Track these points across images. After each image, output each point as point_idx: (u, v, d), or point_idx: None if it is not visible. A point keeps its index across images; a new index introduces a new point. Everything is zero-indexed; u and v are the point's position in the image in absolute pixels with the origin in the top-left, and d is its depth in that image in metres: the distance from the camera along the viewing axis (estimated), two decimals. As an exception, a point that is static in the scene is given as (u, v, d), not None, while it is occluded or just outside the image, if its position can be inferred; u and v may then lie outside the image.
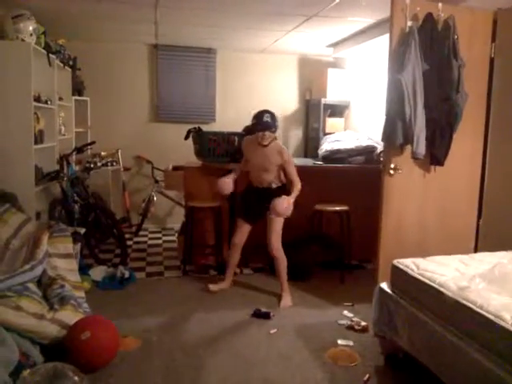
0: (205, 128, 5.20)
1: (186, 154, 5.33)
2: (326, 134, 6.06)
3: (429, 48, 3.45)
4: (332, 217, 4.53)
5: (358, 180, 4.75)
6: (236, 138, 4.70)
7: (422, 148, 3.47)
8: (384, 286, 2.99)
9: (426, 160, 3.63)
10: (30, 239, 3.45)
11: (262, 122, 3.80)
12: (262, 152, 3.90)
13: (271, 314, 3.67)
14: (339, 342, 3.26)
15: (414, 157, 3.51)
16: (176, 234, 5.97)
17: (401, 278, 2.83)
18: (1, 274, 3.01)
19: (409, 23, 3.43)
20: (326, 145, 5.44)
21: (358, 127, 6.09)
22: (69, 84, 5.59)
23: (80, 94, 5.96)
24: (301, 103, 6.96)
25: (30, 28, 4.20)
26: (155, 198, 6.31)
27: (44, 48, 4.56)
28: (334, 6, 4.08)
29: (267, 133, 3.82)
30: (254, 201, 4.04)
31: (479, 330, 2.18)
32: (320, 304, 3.97)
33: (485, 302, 2.23)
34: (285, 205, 3.69)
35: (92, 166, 5.56)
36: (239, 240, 4.09)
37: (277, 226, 3.90)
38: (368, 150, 5.04)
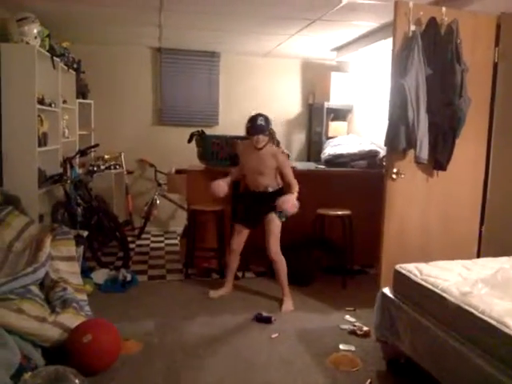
0: (208, 131, 5.22)
1: (188, 157, 5.33)
2: (328, 138, 6.06)
3: (432, 52, 3.45)
4: (334, 221, 4.52)
5: (360, 184, 4.74)
6: (239, 142, 4.70)
7: (425, 152, 3.47)
8: (386, 290, 2.98)
9: (429, 165, 3.62)
10: (33, 242, 3.45)
11: (256, 126, 3.81)
12: (256, 155, 3.91)
13: (273, 319, 3.66)
14: (341, 346, 3.25)
15: (417, 161, 3.50)
16: (178, 238, 5.97)
17: (403, 283, 2.82)
18: (3, 276, 3.01)
19: (412, 27, 3.43)
20: (329, 149, 5.44)
21: (361, 131, 6.09)
22: (73, 87, 5.62)
23: (84, 97, 5.99)
24: (304, 107, 6.96)
25: (35, 31, 4.22)
26: (158, 202, 6.31)
27: (48, 51, 4.59)
28: (338, 9, 4.09)
29: (261, 136, 3.82)
30: (251, 205, 4.05)
31: (481, 336, 2.17)
32: (322, 309, 3.96)
33: (487, 308, 2.22)
34: (291, 202, 3.72)
35: (95, 168, 5.57)
36: (237, 245, 4.09)
37: (275, 230, 3.90)
38: (371, 155, 5.04)
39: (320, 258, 4.65)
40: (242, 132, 4.94)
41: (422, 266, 2.86)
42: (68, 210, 4.72)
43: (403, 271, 2.85)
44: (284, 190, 3.94)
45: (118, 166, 6.21)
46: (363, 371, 2.93)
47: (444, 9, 3.48)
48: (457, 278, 2.67)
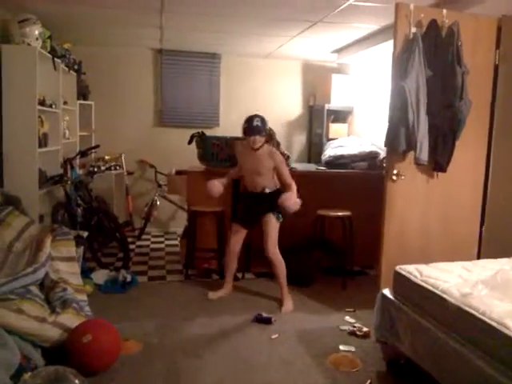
0: (208, 133, 5.22)
1: (189, 158, 5.33)
2: (329, 140, 6.06)
3: (433, 54, 3.46)
4: (335, 222, 4.52)
5: (360, 186, 4.75)
6: (237, 142, 4.71)
7: (424, 154, 3.47)
8: (386, 292, 2.98)
9: (429, 166, 3.62)
10: (33, 242, 3.45)
11: (253, 127, 3.82)
12: (254, 156, 3.92)
13: (273, 319, 3.66)
14: (341, 347, 3.25)
15: (417, 163, 3.51)
16: (178, 238, 5.97)
17: (403, 284, 2.83)
18: (4, 276, 3.02)
19: (413, 30, 3.44)
20: (330, 150, 5.45)
21: (362, 133, 6.09)
22: (74, 88, 5.62)
23: (85, 98, 6.00)
24: (304, 109, 6.96)
25: (36, 32, 4.23)
26: (158, 202, 6.31)
27: (49, 52, 4.60)
28: (339, 12, 4.10)
29: (258, 137, 3.83)
30: (249, 206, 4.06)
31: (482, 337, 2.18)
32: (322, 309, 3.96)
33: (487, 309, 2.22)
34: (293, 199, 3.73)
35: (96, 169, 5.58)
36: (235, 245, 4.09)
37: (272, 230, 3.91)
38: (371, 156, 5.04)
39: (320, 258, 4.65)
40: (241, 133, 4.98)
41: (422, 267, 2.87)
42: (68, 210, 4.72)
43: (403, 272, 2.85)
44: (282, 190, 3.94)
45: (118, 167, 6.22)
46: (363, 372, 2.93)
47: (445, 11, 3.49)
48: (457, 279, 2.68)
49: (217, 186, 4.03)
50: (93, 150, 5.42)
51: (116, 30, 5.30)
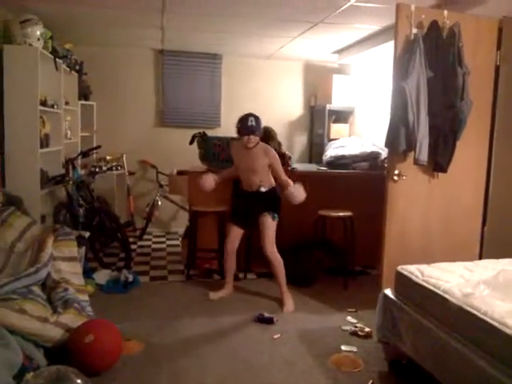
0: (210, 133, 5.23)
1: (190, 158, 5.34)
2: (330, 140, 6.07)
3: (434, 55, 3.46)
4: (336, 222, 4.53)
5: (362, 186, 4.75)
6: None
7: (424, 155, 3.48)
8: (388, 292, 2.98)
9: (430, 166, 3.63)
10: (35, 242, 3.45)
11: (247, 126, 3.83)
12: (249, 154, 3.93)
13: (275, 319, 3.66)
14: (343, 347, 3.25)
15: (417, 163, 3.51)
16: (180, 238, 5.97)
17: (405, 284, 2.83)
18: (6, 276, 3.02)
19: (414, 30, 3.44)
20: (331, 151, 5.45)
21: (363, 133, 6.10)
22: (75, 88, 5.63)
23: (86, 99, 6.00)
24: (305, 109, 6.97)
25: (38, 33, 4.24)
26: (159, 203, 6.32)
27: (51, 52, 4.60)
28: (340, 12, 4.10)
29: (252, 137, 3.84)
30: (245, 205, 4.06)
31: (483, 337, 2.18)
32: (323, 310, 3.97)
33: (489, 309, 2.22)
34: (300, 190, 3.78)
35: (97, 170, 5.59)
36: (232, 245, 4.10)
37: (269, 229, 3.92)
38: (372, 156, 5.04)
39: (321, 259, 4.66)
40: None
41: (424, 267, 2.87)
42: (70, 210, 4.73)
43: (405, 272, 2.86)
44: (277, 189, 3.97)
45: (119, 167, 6.22)
46: (365, 372, 2.93)
47: (446, 12, 3.49)
48: (458, 279, 2.68)
49: (209, 180, 4.07)
50: (94, 151, 5.43)
51: (117, 30, 5.31)
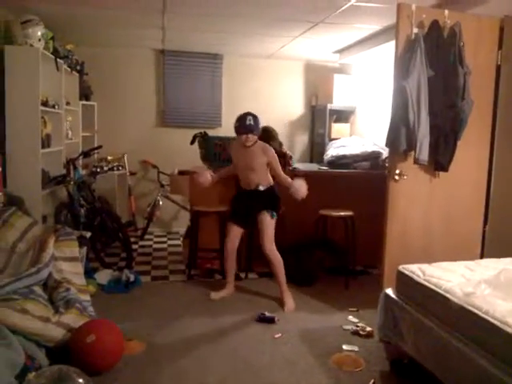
0: (211, 133, 5.23)
1: (191, 158, 5.35)
2: (331, 140, 6.06)
3: (435, 55, 3.46)
4: (337, 222, 4.53)
5: (363, 185, 4.75)
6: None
7: (424, 154, 3.47)
8: (389, 291, 2.98)
9: (431, 166, 3.63)
10: (36, 242, 3.46)
11: (245, 125, 3.84)
12: (247, 152, 3.94)
13: (276, 319, 3.67)
14: (344, 347, 3.25)
15: (417, 163, 3.51)
16: (181, 238, 5.98)
17: (406, 283, 2.83)
18: (7, 276, 3.03)
19: (415, 30, 3.44)
20: (332, 150, 5.45)
21: (364, 133, 6.10)
22: (76, 89, 5.63)
23: (87, 99, 6.01)
24: (306, 109, 6.97)
25: (39, 33, 4.24)
26: (161, 202, 6.32)
27: (52, 53, 4.61)
28: (340, 12, 4.10)
29: (250, 135, 3.85)
30: (244, 204, 4.06)
31: (485, 336, 2.18)
32: (325, 309, 3.97)
33: (490, 308, 2.22)
34: (302, 184, 3.80)
35: (98, 170, 5.58)
36: (231, 244, 4.10)
37: (268, 227, 3.93)
38: (373, 156, 5.04)
39: (322, 258, 4.66)
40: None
41: (425, 266, 2.87)
42: (71, 210, 4.73)
43: (406, 272, 2.86)
44: (275, 187, 3.98)
45: (121, 168, 6.23)
46: (366, 371, 2.93)
47: (447, 11, 3.49)
48: (460, 278, 2.68)
49: (206, 176, 4.08)
50: (95, 151, 5.44)
51: (118, 30, 5.31)
